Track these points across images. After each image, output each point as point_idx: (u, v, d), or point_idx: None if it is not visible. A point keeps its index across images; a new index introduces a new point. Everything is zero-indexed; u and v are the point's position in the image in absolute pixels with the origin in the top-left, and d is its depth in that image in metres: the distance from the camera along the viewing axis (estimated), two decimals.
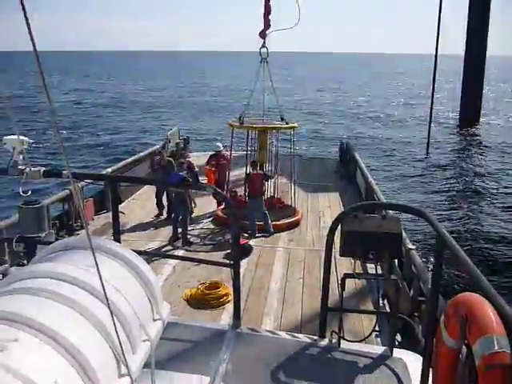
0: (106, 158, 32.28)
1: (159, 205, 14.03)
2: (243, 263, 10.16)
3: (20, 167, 4.50)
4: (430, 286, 4.72)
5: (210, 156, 15.18)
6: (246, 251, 11.13)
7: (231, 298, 8.57)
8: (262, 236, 12.44)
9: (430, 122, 31.37)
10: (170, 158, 13.64)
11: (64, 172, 4.62)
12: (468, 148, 37.72)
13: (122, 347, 2.37)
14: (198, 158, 19.55)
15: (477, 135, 42.46)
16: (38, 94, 67.04)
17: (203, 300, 8.96)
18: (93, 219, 13.23)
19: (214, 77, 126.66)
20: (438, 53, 28.06)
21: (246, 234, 12.09)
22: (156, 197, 14.04)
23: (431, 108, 31.02)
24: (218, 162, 14.67)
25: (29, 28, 1.64)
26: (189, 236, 12.11)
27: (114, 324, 2.32)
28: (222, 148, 15.19)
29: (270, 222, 12.68)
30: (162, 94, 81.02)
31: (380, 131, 46.57)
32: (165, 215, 13.88)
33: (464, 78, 44.12)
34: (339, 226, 4.67)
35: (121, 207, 12.20)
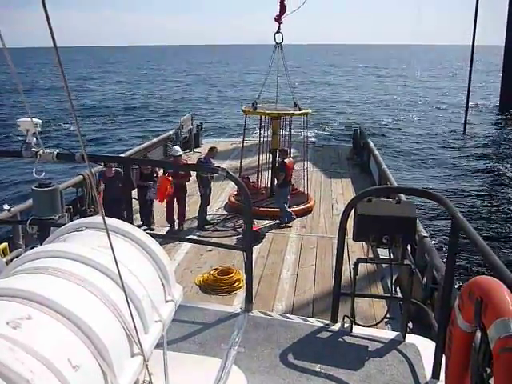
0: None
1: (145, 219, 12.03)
2: (255, 249, 10.16)
3: (33, 149, 4.51)
4: (443, 272, 4.67)
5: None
6: (259, 238, 11.13)
7: (243, 283, 8.60)
8: (275, 224, 12.43)
9: (468, 104, 35.08)
10: (119, 169, 11.13)
11: (77, 154, 4.63)
12: (507, 136, 37.81)
13: (135, 326, 2.37)
14: (210, 146, 19.48)
15: None
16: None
17: (215, 285, 8.99)
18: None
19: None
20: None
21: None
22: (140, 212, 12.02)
23: (468, 90, 34.46)
24: (176, 171, 11.70)
25: (49, 24, 1.65)
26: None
27: (128, 303, 2.31)
28: (180, 153, 12.09)
29: None
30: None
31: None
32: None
33: (505, 65, 45.04)
34: (353, 211, 4.64)
35: (133, 193, 12.25)
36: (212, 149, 12.57)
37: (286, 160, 12.54)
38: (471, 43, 33.51)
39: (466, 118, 36.18)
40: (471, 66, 34.25)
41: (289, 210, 12.50)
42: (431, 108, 54.53)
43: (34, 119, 4.15)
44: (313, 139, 25.80)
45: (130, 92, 70.40)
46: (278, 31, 13.31)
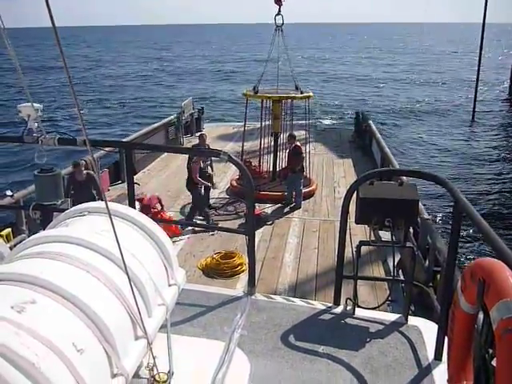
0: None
1: None
2: (258, 233, 10.18)
3: (35, 135, 4.51)
4: (446, 254, 4.67)
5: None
6: (262, 222, 11.12)
7: (246, 267, 8.64)
8: (280, 206, 12.47)
9: (477, 88, 33.96)
10: (91, 172, 10.00)
11: (79, 139, 4.62)
12: None
13: (138, 310, 2.38)
14: (211, 130, 19.44)
15: None
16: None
17: (218, 269, 9.03)
18: (108, 189, 13.30)
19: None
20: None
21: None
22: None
23: (478, 72, 33.44)
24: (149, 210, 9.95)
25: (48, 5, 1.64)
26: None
27: (131, 287, 2.32)
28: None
29: None
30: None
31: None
32: None
33: None
34: (355, 194, 4.62)
35: (135, 178, 12.20)
36: (200, 136, 12.32)
37: (298, 143, 12.58)
38: (482, 21, 32.31)
39: (474, 103, 34.78)
40: (481, 47, 32.66)
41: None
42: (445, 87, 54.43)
43: (35, 104, 4.14)
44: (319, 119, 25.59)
45: (139, 72, 70.45)
46: (278, 13, 13.16)
